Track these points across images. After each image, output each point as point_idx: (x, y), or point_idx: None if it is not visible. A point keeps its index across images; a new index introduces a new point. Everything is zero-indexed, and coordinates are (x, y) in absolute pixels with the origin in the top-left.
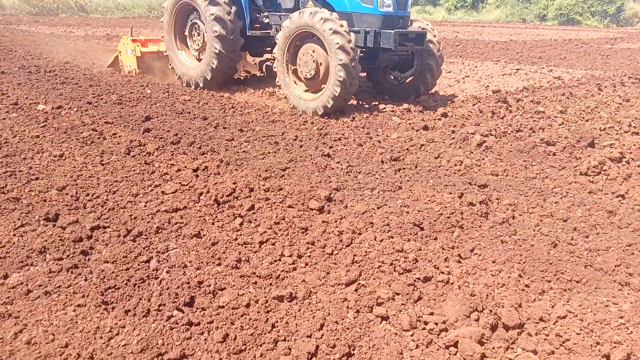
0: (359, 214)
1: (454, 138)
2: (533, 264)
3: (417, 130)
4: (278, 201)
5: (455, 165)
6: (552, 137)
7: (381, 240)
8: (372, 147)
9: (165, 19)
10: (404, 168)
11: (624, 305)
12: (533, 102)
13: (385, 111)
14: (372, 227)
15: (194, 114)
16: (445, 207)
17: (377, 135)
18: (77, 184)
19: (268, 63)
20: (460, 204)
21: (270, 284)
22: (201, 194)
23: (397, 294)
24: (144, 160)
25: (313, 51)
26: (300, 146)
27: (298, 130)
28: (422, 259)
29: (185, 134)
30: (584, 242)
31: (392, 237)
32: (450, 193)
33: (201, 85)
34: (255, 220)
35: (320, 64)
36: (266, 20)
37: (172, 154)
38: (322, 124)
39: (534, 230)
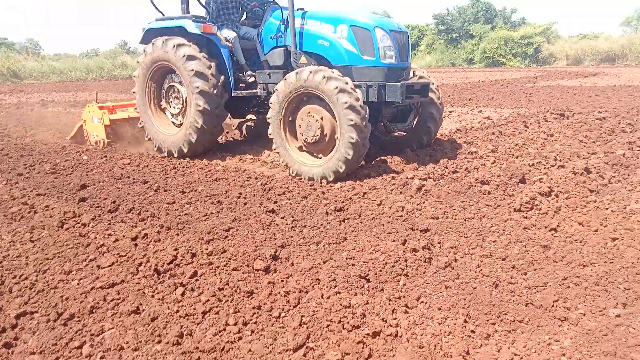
0: (305, 270)
1: (394, 184)
2: (477, 307)
3: (359, 178)
4: (222, 265)
5: (397, 211)
6: (485, 176)
7: (328, 297)
8: (317, 198)
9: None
10: (348, 218)
11: (565, 341)
12: (466, 142)
13: None
14: (318, 283)
15: (134, 178)
16: (390, 255)
17: (321, 186)
18: (2, 267)
19: (249, 123)
20: (404, 251)
21: (215, 359)
22: (140, 264)
23: (347, 353)
24: (79, 232)
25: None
26: (245, 203)
27: (242, 187)
28: (369, 312)
29: (123, 200)
30: (522, 279)
31: (339, 293)
32: (394, 240)
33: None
34: (198, 287)
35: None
36: (251, 79)
37: (109, 223)
38: (266, 179)
39: (475, 272)
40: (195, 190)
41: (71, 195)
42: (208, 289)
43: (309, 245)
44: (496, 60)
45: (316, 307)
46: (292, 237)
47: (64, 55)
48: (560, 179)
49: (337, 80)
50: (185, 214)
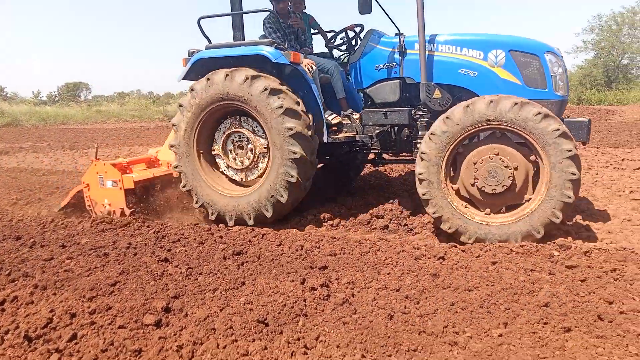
0: (200, 320)
1: (288, 221)
2: (374, 341)
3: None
4: (106, 323)
5: (297, 250)
6: (379, 209)
7: (224, 347)
8: (214, 243)
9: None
10: (247, 261)
11: None
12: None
13: None
14: (214, 333)
15: (4, 235)
16: (289, 296)
17: (219, 230)
18: None
19: None
20: (302, 291)
21: None
22: (7, 332)
23: None
24: None
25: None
26: (134, 254)
27: (132, 237)
28: (267, 358)
29: None
30: (415, 308)
31: (236, 341)
32: (293, 280)
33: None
34: (78, 352)
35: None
36: (335, 120)
37: None
38: (159, 227)
39: (371, 305)
40: (78, 244)
41: None
42: (89, 351)
43: (204, 294)
44: None
45: (211, 358)
46: (186, 286)
47: None
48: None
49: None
50: (65, 271)
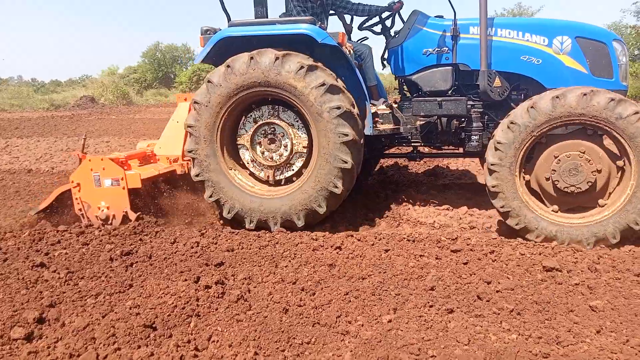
0: (79, 330)
1: (188, 221)
2: (267, 337)
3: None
4: None
5: (192, 247)
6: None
7: (105, 357)
8: (100, 243)
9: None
10: (136, 262)
11: (346, 355)
12: None
13: None
14: (94, 343)
15: None
16: (180, 297)
17: (106, 228)
18: None
19: None
20: (196, 290)
21: None
22: None
23: None
24: None
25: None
26: (4, 260)
27: (2, 240)
28: None
29: None
30: (310, 300)
31: (119, 349)
32: (186, 280)
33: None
34: None
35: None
36: (384, 111)
37: None
38: (35, 228)
39: (267, 300)
40: None
41: None
42: None
43: (85, 300)
44: None
45: None
46: (64, 292)
47: None
48: None
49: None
50: None
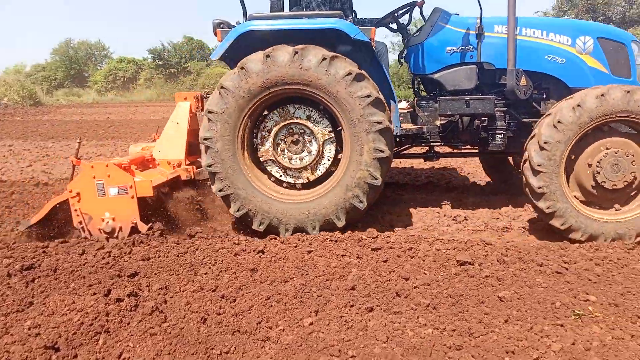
0: None
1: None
2: (184, 349)
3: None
4: None
5: (103, 258)
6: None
7: None
8: None
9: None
10: (39, 277)
11: None
12: None
13: None
14: None
15: None
16: (88, 312)
17: (4, 240)
18: None
19: None
20: (106, 304)
21: None
22: None
23: None
24: None
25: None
26: None
27: None
28: None
29: None
30: (230, 308)
31: None
32: (95, 293)
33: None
34: None
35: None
36: (405, 110)
37: None
38: None
39: (184, 311)
40: None
41: None
42: None
43: None
44: None
45: None
46: None
47: None
48: None
49: None
50: None
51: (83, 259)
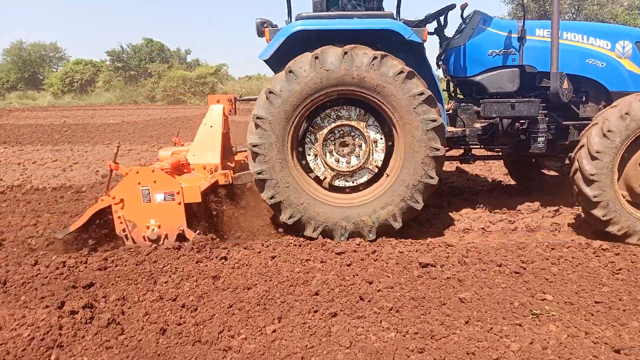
0: None
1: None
2: None
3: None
4: None
5: (57, 268)
6: None
7: None
8: None
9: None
10: None
11: None
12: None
13: None
14: None
15: None
16: (39, 327)
17: None
18: None
19: None
20: (59, 317)
21: None
22: None
23: None
24: None
25: None
26: None
27: None
28: None
29: None
30: (191, 317)
31: None
32: (48, 306)
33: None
34: None
35: None
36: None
37: None
38: None
39: (142, 322)
40: None
41: None
42: None
43: None
44: (177, 98)
45: None
46: None
47: None
48: None
49: None
50: None
51: (35, 270)
